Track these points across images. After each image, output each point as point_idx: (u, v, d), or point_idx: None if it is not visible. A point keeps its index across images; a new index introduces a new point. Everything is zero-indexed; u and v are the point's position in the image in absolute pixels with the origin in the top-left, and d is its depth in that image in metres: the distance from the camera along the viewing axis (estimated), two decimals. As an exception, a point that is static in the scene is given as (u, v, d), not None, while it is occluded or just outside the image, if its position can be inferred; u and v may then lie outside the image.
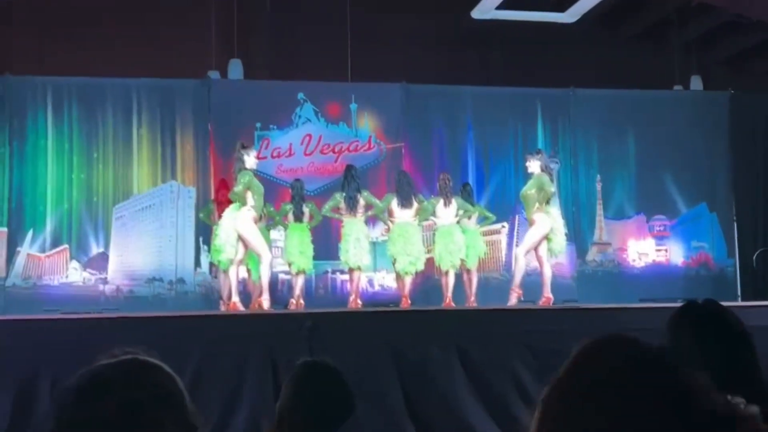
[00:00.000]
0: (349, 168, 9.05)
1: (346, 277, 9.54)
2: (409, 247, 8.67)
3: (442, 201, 9.00)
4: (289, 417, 2.67)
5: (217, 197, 9.51)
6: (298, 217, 8.86)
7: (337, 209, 8.80)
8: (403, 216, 8.78)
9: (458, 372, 5.98)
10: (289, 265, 8.92)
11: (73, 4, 10.92)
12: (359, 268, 8.79)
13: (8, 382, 5.42)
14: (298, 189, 9.01)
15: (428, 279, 9.98)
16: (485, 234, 10.07)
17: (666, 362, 1.06)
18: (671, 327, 2.04)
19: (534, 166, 8.56)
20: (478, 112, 11.20)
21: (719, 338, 1.97)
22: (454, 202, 9.03)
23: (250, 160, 8.00)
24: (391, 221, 8.87)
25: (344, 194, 8.73)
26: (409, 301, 8.69)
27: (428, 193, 10.10)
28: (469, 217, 9.32)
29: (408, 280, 8.74)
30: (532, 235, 8.53)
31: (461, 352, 6.04)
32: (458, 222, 9.10)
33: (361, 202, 8.73)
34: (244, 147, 8.09)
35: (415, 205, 8.82)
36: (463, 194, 9.34)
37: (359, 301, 8.75)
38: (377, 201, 8.83)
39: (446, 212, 9.01)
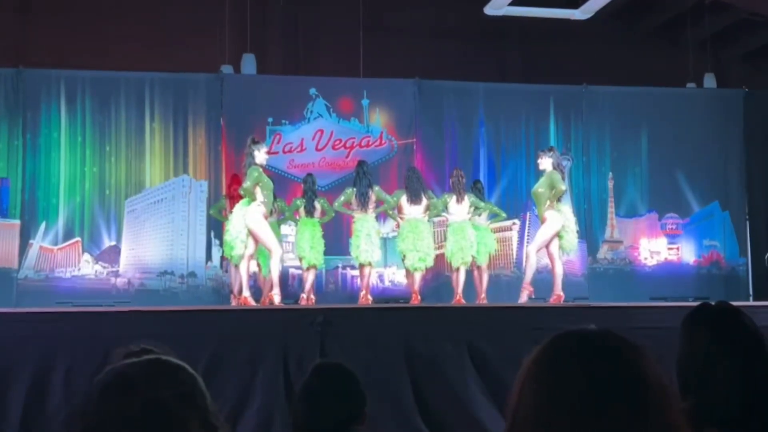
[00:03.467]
0: (360, 164, 9.05)
1: (356, 272, 9.56)
2: (418, 243, 8.67)
3: (454, 197, 9.00)
4: (303, 421, 2.68)
5: (229, 192, 9.52)
6: (310, 212, 8.88)
7: (348, 204, 8.81)
8: (413, 212, 8.78)
9: (468, 368, 5.99)
10: (300, 260, 8.94)
11: (87, -3, 10.97)
12: (370, 264, 8.80)
13: (21, 374, 5.46)
14: (309, 184, 9.02)
15: (439, 275, 9.98)
16: (496, 231, 10.06)
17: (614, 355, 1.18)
18: (685, 328, 2.04)
19: (545, 163, 8.54)
20: (490, 109, 11.18)
21: (734, 340, 1.97)
22: (467, 199, 9.03)
23: (260, 155, 7.99)
24: (401, 217, 8.87)
25: (356, 190, 8.74)
26: (419, 298, 8.70)
27: (439, 188, 10.11)
28: (480, 214, 9.32)
29: (418, 276, 8.75)
30: (543, 233, 8.52)
31: (472, 348, 6.04)
32: (470, 218, 9.11)
33: (373, 198, 8.74)
34: (255, 142, 8.09)
35: (425, 201, 8.82)
36: (474, 191, 9.33)
37: (369, 297, 8.76)
38: (388, 197, 8.83)
39: (458, 208, 9.01)
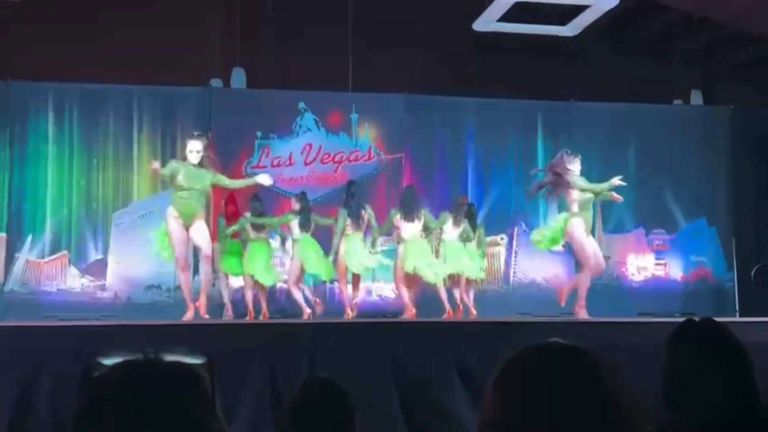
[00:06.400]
0: (349, 185, 9.07)
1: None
2: (429, 258, 8.75)
3: (451, 219, 9.08)
4: None
5: (226, 211, 9.41)
6: (306, 227, 8.87)
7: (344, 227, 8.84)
8: (409, 230, 8.77)
9: (456, 383, 5.98)
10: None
11: (76, 10, 10.95)
12: (359, 275, 8.91)
13: (6, 388, 5.42)
14: (305, 202, 9.02)
15: (426, 290, 9.96)
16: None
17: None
18: (670, 345, 2.05)
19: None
20: (479, 124, 11.23)
21: (717, 356, 1.98)
22: (462, 226, 9.12)
23: (190, 155, 7.62)
24: (398, 233, 8.90)
25: (347, 211, 8.75)
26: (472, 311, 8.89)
27: (428, 203, 10.10)
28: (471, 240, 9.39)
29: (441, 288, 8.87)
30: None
31: (459, 363, 6.04)
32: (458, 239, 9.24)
33: (365, 217, 8.78)
34: (191, 137, 7.83)
35: (420, 219, 8.85)
36: (467, 213, 9.36)
37: (354, 309, 8.78)
38: (376, 224, 8.86)
39: (452, 231, 9.11)
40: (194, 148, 7.62)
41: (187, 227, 7.54)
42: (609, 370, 1.18)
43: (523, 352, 1.22)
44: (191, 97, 10.61)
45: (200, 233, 7.58)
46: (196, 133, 7.91)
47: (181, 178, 7.50)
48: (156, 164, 7.90)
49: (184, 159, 7.66)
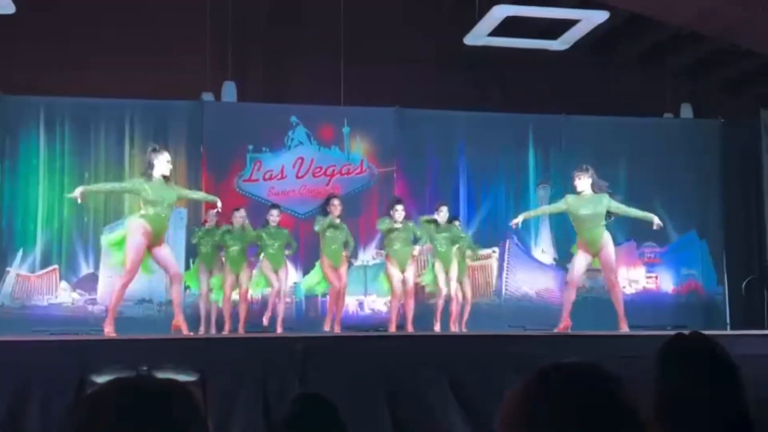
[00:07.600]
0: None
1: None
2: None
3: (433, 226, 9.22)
4: None
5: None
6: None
7: None
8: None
9: (449, 397, 5.97)
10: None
11: (68, 24, 10.97)
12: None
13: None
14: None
15: (421, 304, 9.96)
16: (478, 258, 10.13)
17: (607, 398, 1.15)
18: (659, 360, 2.05)
19: (585, 183, 8.40)
20: (470, 137, 11.26)
21: (706, 372, 1.98)
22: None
23: (161, 165, 7.11)
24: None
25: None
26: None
27: (418, 216, 10.12)
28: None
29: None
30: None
31: (452, 377, 6.03)
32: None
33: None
34: (154, 150, 7.28)
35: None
36: (452, 227, 9.42)
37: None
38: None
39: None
40: (167, 159, 7.17)
41: (154, 245, 7.18)
42: (627, 388, 1.17)
43: (543, 372, 1.18)
44: (183, 111, 10.61)
45: (167, 253, 7.32)
46: (157, 147, 7.44)
47: (150, 195, 7.07)
48: (77, 192, 7.37)
49: (149, 176, 7.15)
